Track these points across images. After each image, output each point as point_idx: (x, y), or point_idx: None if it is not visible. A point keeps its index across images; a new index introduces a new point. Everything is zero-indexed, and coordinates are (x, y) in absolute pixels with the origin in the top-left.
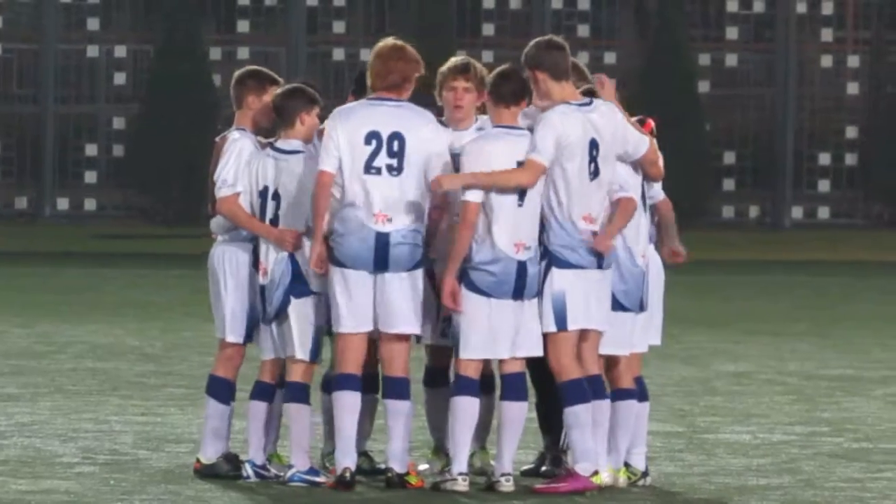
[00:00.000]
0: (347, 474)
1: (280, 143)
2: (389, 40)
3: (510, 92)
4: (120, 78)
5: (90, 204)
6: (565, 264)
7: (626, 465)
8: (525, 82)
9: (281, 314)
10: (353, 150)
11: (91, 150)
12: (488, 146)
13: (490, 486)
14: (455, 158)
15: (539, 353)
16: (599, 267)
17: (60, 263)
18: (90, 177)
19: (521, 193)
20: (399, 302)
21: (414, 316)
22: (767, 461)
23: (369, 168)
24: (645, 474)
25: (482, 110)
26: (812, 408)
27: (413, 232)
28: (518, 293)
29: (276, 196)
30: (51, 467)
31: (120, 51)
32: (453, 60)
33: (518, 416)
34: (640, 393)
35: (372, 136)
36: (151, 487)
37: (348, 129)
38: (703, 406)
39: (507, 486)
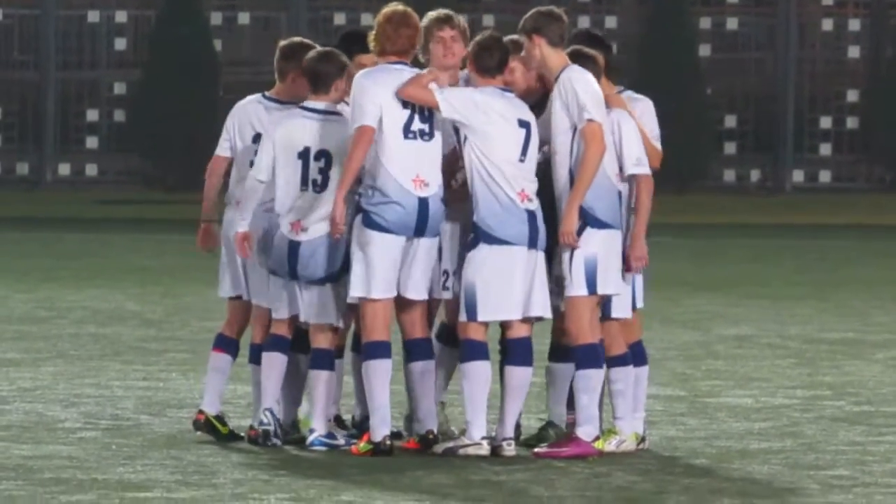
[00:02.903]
0: (387, 442)
1: (312, 104)
2: (399, 6)
3: (495, 63)
4: (121, 43)
5: (91, 169)
6: (600, 224)
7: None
8: (507, 49)
9: (326, 282)
10: (392, 113)
11: (92, 115)
12: (490, 102)
13: (493, 450)
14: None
15: (549, 315)
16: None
17: (62, 229)
18: (91, 142)
19: (525, 147)
20: (425, 268)
21: (429, 282)
22: (769, 425)
23: (408, 132)
24: (643, 438)
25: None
26: (813, 371)
27: (441, 196)
28: (532, 242)
29: (321, 156)
30: (53, 432)
31: (121, 16)
32: (433, 13)
33: (522, 381)
34: (638, 357)
35: (408, 101)
36: (153, 452)
37: (385, 92)
38: (705, 370)
39: (509, 450)
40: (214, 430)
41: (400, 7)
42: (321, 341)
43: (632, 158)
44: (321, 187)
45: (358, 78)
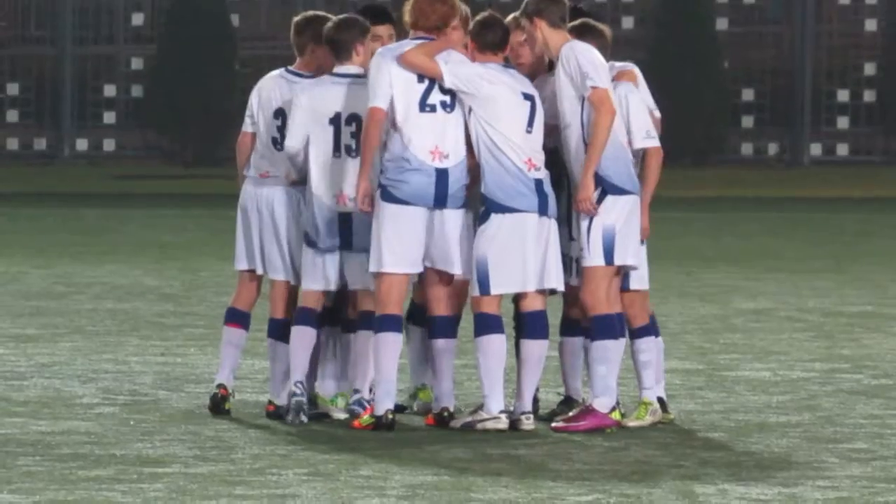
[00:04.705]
0: (389, 415)
1: (338, 69)
2: None
3: (498, 39)
4: (138, 18)
5: (109, 144)
6: (619, 190)
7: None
8: (507, 28)
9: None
10: (407, 89)
11: (109, 90)
12: (495, 74)
13: (511, 424)
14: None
15: (562, 287)
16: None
17: (79, 204)
18: (109, 117)
19: (531, 119)
20: (455, 241)
21: (464, 257)
22: (787, 398)
23: (424, 106)
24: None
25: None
26: (831, 344)
27: (464, 167)
28: (543, 209)
29: (352, 120)
30: (71, 408)
31: None
32: None
33: (538, 354)
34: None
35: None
36: (171, 428)
37: (399, 68)
38: (723, 343)
39: (527, 424)
40: (225, 407)
41: None
42: (370, 304)
43: (641, 132)
44: (356, 152)
45: (375, 56)
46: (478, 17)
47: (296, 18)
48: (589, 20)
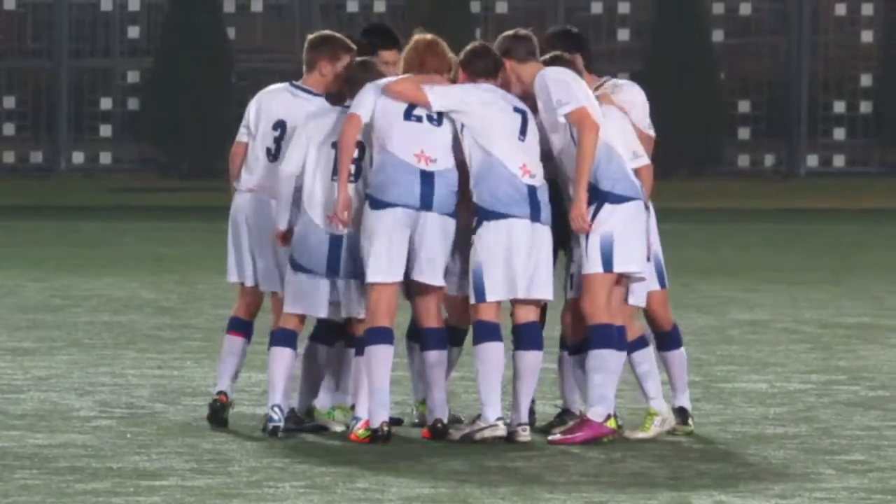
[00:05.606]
0: (385, 427)
1: (349, 102)
2: (427, 35)
3: (490, 67)
4: (134, 31)
5: (105, 157)
6: (621, 199)
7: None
8: (497, 57)
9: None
10: (389, 107)
11: (106, 103)
12: (483, 93)
13: (508, 435)
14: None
15: (551, 297)
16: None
17: (76, 217)
18: (105, 130)
19: (523, 129)
20: (439, 250)
21: (444, 267)
22: (784, 410)
23: (409, 116)
24: (690, 416)
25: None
26: (828, 356)
27: (454, 177)
28: (535, 216)
29: (356, 145)
30: (68, 421)
31: (134, 4)
32: (419, 37)
33: (533, 365)
34: (676, 340)
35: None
36: (168, 441)
37: (384, 96)
38: (720, 355)
39: (524, 435)
40: (224, 415)
41: (428, 36)
42: (360, 330)
43: (627, 153)
44: (355, 177)
45: (363, 89)
46: (468, 48)
47: (310, 35)
48: (561, 54)
